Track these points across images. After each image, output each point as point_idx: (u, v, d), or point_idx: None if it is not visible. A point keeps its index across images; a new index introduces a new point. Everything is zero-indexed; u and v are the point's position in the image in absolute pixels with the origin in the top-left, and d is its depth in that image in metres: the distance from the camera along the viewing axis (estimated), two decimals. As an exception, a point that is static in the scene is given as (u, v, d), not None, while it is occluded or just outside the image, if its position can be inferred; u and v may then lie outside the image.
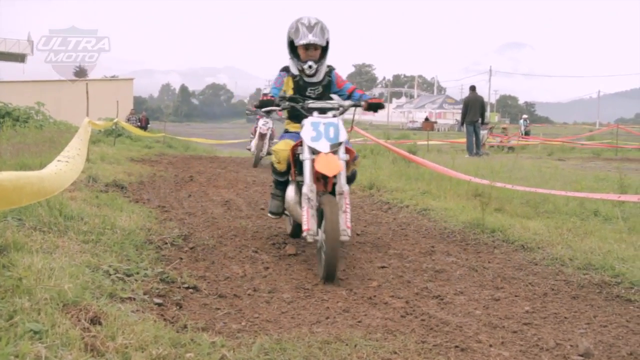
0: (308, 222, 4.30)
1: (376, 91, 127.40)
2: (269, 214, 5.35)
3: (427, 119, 64.92)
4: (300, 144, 4.60)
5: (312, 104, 4.71)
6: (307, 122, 4.59)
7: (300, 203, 4.63)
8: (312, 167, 4.41)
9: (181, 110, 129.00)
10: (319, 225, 4.30)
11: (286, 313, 3.53)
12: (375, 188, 8.72)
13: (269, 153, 11.26)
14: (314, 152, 4.45)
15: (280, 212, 5.29)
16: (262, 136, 13.21)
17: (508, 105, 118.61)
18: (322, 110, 4.65)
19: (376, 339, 3.02)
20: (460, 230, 5.95)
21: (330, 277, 4.06)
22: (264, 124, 13.24)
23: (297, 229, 5.20)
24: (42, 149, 9.27)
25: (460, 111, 18.14)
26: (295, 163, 4.79)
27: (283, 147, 4.91)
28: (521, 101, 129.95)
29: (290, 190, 4.97)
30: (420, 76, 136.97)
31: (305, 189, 4.39)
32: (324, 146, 4.41)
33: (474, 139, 16.55)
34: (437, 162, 9.46)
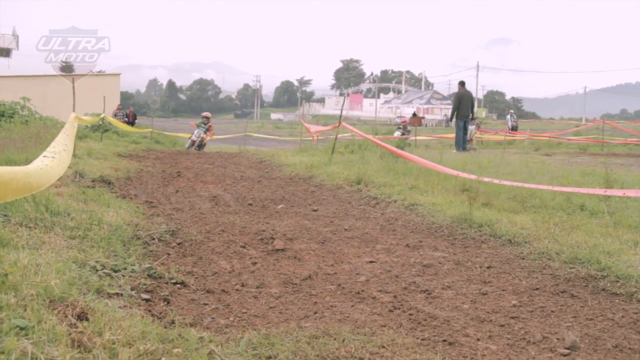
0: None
1: (364, 86, 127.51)
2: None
3: (414, 115, 64.84)
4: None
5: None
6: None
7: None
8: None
9: (168, 106, 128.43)
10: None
11: (274, 308, 3.53)
12: (363, 183, 8.72)
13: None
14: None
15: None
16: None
17: (495, 101, 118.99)
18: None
19: (364, 334, 3.02)
20: (448, 225, 5.97)
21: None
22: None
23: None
24: (28, 145, 9.19)
25: (448, 106, 18.22)
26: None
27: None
28: (508, 97, 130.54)
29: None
30: (408, 72, 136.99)
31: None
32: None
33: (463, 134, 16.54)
34: (425, 157, 9.47)
